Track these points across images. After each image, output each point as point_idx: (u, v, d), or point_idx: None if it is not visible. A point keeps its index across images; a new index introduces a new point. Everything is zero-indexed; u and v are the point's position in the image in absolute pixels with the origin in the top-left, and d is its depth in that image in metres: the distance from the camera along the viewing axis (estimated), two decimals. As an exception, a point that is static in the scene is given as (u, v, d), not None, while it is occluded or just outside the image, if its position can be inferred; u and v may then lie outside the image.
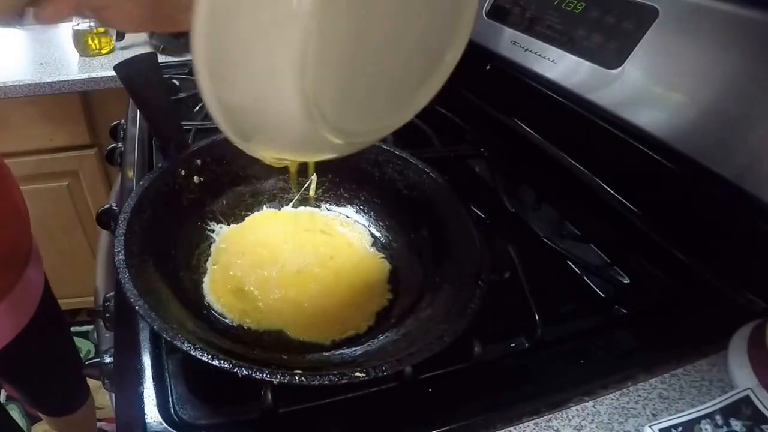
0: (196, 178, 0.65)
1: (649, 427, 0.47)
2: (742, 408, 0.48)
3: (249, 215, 0.69)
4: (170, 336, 0.41)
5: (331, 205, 0.71)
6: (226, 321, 0.55)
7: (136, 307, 0.43)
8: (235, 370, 0.39)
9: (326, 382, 0.39)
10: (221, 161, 0.68)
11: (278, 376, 0.39)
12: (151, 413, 0.47)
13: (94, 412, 1.31)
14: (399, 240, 0.66)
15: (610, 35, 0.68)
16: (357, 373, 0.40)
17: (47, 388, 1.07)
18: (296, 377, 0.39)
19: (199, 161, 0.65)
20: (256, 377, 0.39)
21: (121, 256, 0.47)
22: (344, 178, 0.71)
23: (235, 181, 0.69)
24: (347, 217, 0.70)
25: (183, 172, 0.63)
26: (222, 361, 0.39)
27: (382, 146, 0.67)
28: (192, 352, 0.40)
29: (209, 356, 0.40)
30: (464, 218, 0.57)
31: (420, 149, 0.89)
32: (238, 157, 0.68)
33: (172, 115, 0.63)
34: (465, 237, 0.56)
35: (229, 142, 0.66)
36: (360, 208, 0.70)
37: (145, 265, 0.52)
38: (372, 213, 0.69)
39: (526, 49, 0.82)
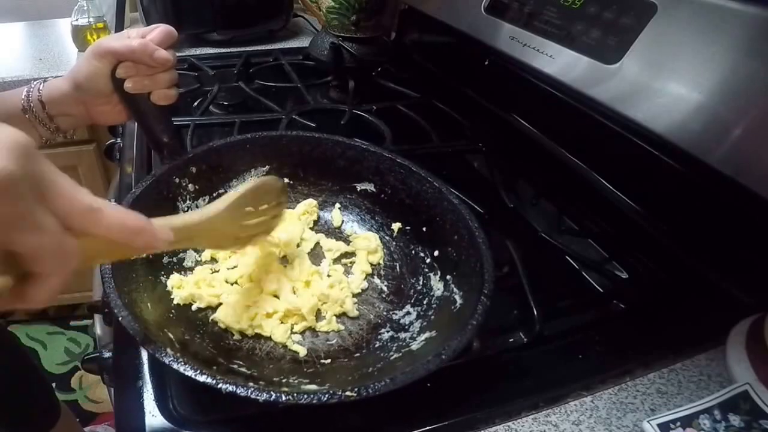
0: (191, 186, 0.64)
1: (648, 422, 0.47)
2: (740, 403, 0.48)
3: None
4: (152, 349, 0.42)
5: (330, 214, 0.71)
6: (219, 327, 0.55)
7: (120, 318, 0.43)
8: (219, 386, 0.39)
9: (302, 401, 0.39)
10: (217, 169, 0.67)
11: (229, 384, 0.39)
12: (150, 408, 0.47)
13: (72, 426, 1.29)
14: (402, 251, 0.65)
15: (608, 30, 0.68)
16: (319, 396, 0.39)
17: (6, 411, 1.05)
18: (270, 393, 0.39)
19: (194, 169, 0.64)
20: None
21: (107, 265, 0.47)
22: (344, 187, 0.70)
23: (231, 188, 0.68)
24: (348, 225, 0.70)
25: (177, 180, 0.62)
26: (204, 375, 0.40)
27: (384, 154, 0.66)
28: (168, 361, 0.41)
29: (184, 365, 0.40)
30: (471, 230, 0.55)
31: (418, 144, 0.89)
32: (234, 164, 0.68)
33: (166, 122, 0.62)
34: (470, 249, 0.55)
35: (225, 149, 0.66)
36: (360, 218, 0.69)
37: (134, 272, 0.52)
38: (373, 222, 0.69)
39: (525, 45, 0.82)
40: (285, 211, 0.61)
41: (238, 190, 0.50)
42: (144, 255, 0.54)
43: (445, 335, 0.48)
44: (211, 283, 0.58)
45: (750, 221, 0.57)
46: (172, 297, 0.56)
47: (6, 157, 0.27)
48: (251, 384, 0.40)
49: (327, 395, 0.39)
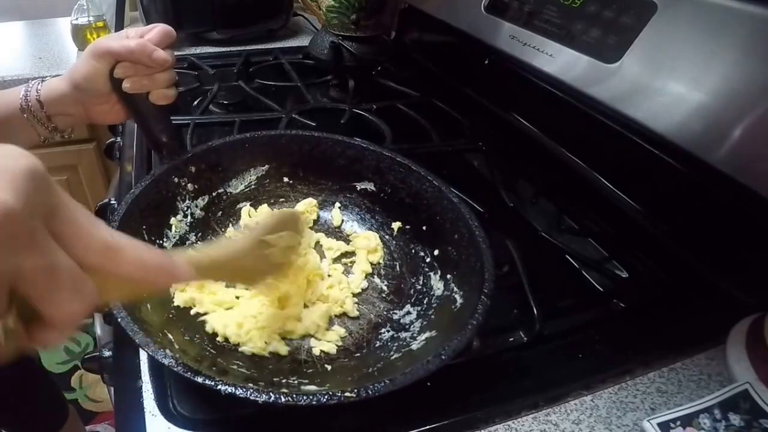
0: (190, 186, 0.64)
1: (648, 421, 0.47)
2: (740, 402, 0.48)
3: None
4: (151, 351, 0.41)
5: (330, 213, 0.70)
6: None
7: (118, 320, 0.43)
8: (218, 387, 0.39)
9: (301, 402, 0.39)
10: (216, 168, 0.67)
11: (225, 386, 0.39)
12: (150, 407, 0.47)
13: (77, 426, 1.29)
14: (402, 250, 0.65)
15: (608, 29, 0.68)
16: (315, 397, 0.39)
17: (20, 413, 1.05)
18: (282, 397, 0.39)
19: (193, 168, 0.64)
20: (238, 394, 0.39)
21: None
22: (344, 187, 0.70)
23: (230, 188, 0.68)
24: (348, 224, 0.69)
25: (176, 180, 0.62)
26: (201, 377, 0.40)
27: (384, 153, 0.66)
28: (167, 363, 0.41)
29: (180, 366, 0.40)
30: (471, 229, 0.55)
31: (418, 143, 0.89)
32: (234, 163, 0.67)
33: (165, 122, 0.62)
34: (471, 248, 0.55)
35: (224, 149, 0.66)
36: (360, 217, 0.69)
37: None
38: (373, 221, 0.69)
39: (525, 44, 0.82)
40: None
41: (260, 223, 0.48)
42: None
43: (445, 335, 0.48)
44: (213, 290, 0.58)
45: (750, 221, 0.57)
46: (172, 298, 0.56)
47: (7, 188, 0.23)
48: (251, 385, 0.40)
49: (326, 396, 0.39)
